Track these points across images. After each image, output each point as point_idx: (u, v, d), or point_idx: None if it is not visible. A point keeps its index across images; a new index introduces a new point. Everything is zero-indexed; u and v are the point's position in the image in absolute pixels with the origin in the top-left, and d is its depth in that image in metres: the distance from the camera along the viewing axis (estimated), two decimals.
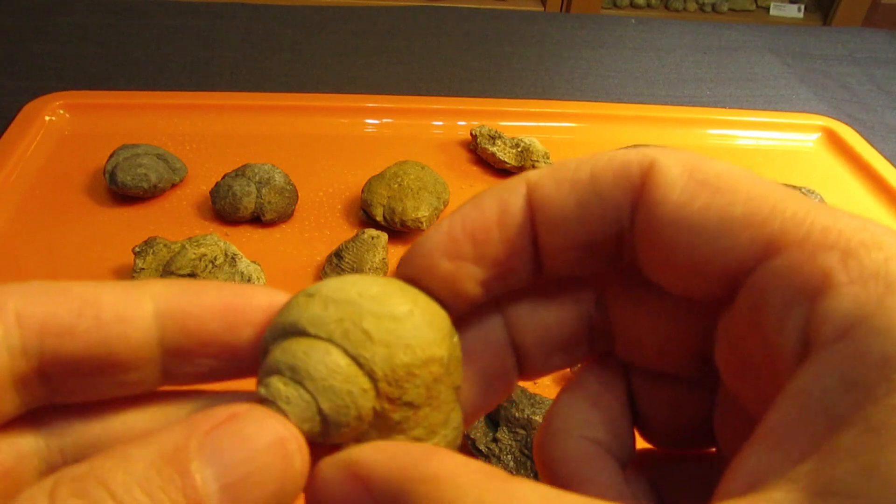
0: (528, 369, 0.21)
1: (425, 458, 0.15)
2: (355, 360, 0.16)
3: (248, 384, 0.18)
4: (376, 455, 0.16)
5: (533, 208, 0.18)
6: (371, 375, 0.16)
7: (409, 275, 0.18)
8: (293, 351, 0.17)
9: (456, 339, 0.19)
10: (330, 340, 0.17)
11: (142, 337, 0.17)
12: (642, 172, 0.17)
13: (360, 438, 0.17)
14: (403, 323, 0.17)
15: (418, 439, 0.18)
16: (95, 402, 0.18)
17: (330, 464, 0.16)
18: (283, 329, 0.17)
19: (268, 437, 0.15)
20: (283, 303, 0.18)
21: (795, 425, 0.13)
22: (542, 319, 0.20)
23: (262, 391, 0.16)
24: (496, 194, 0.18)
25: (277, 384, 0.16)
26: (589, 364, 0.21)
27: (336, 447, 0.17)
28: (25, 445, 0.17)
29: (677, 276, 0.17)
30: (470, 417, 0.20)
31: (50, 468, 0.17)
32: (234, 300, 0.18)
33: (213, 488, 0.14)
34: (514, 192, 0.18)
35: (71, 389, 0.17)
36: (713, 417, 0.20)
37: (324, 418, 0.16)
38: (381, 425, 0.17)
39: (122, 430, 0.18)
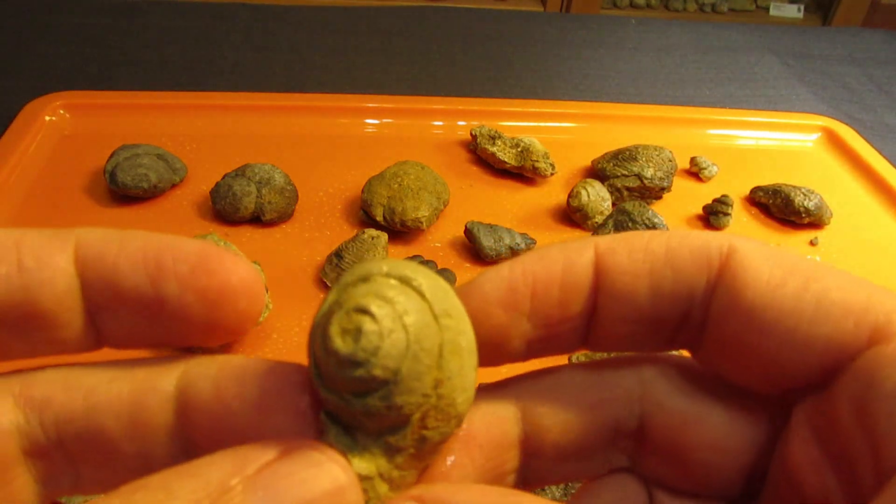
0: (531, 476, 0.19)
1: (526, 499, 0.14)
2: (439, 357, 0.15)
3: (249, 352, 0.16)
4: (467, 495, 0.14)
5: (600, 273, 0.17)
6: (437, 385, 0.15)
7: None
8: (413, 300, 0.15)
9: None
10: (437, 323, 0.15)
11: (64, 285, 0.15)
12: (721, 254, 0.17)
13: (357, 431, 0.16)
14: (475, 372, 0.16)
15: (388, 478, 0.16)
16: (72, 371, 0.16)
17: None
18: (403, 276, 0.16)
19: (325, 485, 0.14)
20: (210, 257, 0.16)
21: None
22: (566, 420, 0.18)
23: (375, 306, 0.15)
24: (561, 252, 0.17)
25: (389, 316, 0.15)
26: (603, 477, 0.20)
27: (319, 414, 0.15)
28: (5, 422, 0.16)
29: (759, 364, 0.16)
30: None
31: (33, 446, 0.16)
32: (158, 250, 0.16)
33: None
34: (581, 254, 0.17)
35: None
36: None
37: (387, 380, 0.15)
38: (386, 438, 0.16)
39: (107, 400, 0.16)
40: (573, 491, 0.40)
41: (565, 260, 0.17)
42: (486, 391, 0.18)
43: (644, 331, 0.18)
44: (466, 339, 0.16)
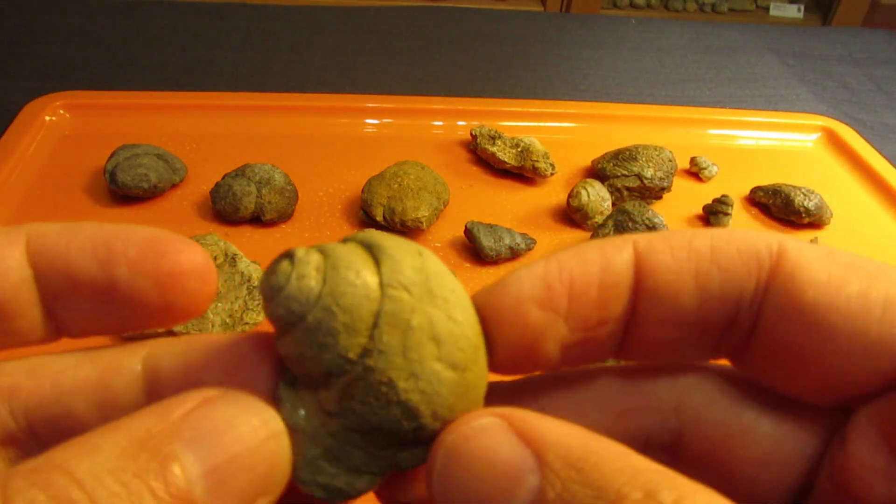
0: None
1: (607, 442, 0.13)
2: (373, 326, 0.15)
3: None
4: (554, 424, 0.13)
5: (641, 273, 0.16)
6: (364, 353, 0.15)
7: (488, 315, 0.16)
8: (351, 260, 0.15)
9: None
10: (380, 291, 0.15)
11: (17, 276, 0.16)
12: (772, 254, 0.16)
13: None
14: (440, 365, 0.15)
15: (323, 444, 0.16)
16: (37, 359, 0.16)
17: (492, 419, 0.14)
18: (370, 243, 0.16)
19: (252, 419, 0.14)
20: (159, 240, 0.16)
21: None
22: (587, 427, 0.17)
23: (300, 252, 0.15)
24: (599, 249, 0.16)
25: (310, 264, 0.15)
26: None
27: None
28: None
29: (822, 371, 0.15)
30: None
31: (3, 434, 0.16)
32: (107, 237, 0.16)
33: (195, 473, 0.13)
34: (620, 251, 0.16)
35: None
36: None
37: (295, 324, 0.15)
38: (317, 392, 0.15)
39: (73, 384, 0.16)
40: None
41: (603, 258, 0.16)
42: (503, 389, 0.17)
43: (686, 336, 0.17)
44: (425, 321, 0.15)
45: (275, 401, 0.16)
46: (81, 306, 0.16)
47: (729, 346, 0.17)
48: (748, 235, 0.16)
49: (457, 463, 0.14)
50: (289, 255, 0.15)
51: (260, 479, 0.14)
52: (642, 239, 0.16)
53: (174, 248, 0.16)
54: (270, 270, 0.15)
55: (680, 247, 0.16)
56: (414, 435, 0.15)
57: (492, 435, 0.14)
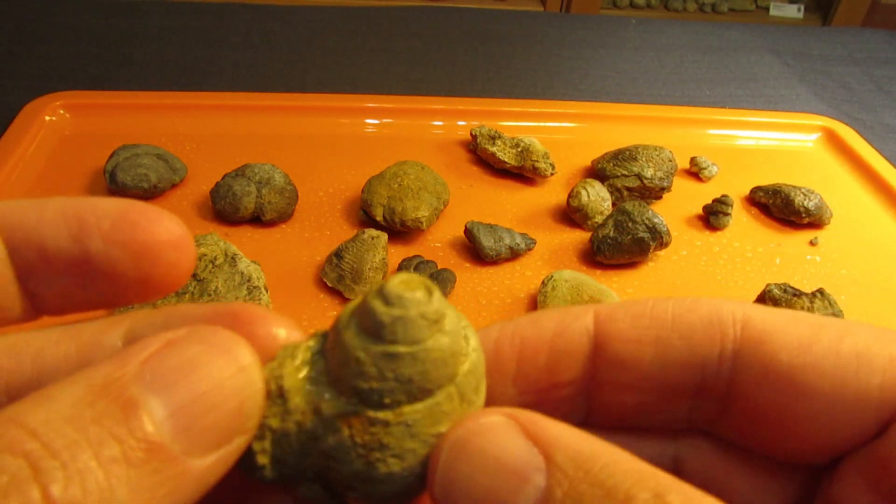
0: None
1: (612, 448, 0.13)
2: (419, 400, 0.15)
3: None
4: (562, 426, 0.14)
5: (600, 341, 0.17)
6: (392, 408, 0.15)
7: None
8: (456, 346, 0.15)
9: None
10: (448, 383, 0.15)
11: None
12: (735, 321, 0.16)
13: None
14: (421, 472, 0.15)
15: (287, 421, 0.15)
16: (17, 337, 0.16)
17: (500, 417, 0.14)
18: (475, 341, 0.16)
19: (218, 354, 0.13)
20: (132, 211, 0.16)
21: None
22: None
23: (437, 298, 0.15)
24: (557, 316, 0.17)
25: (431, 315, 0.14)
26: None
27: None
28: None
29: (808, 430, 0.15)
30: None
31: None
32: (78, 209, 0.16)
33: (160, 416, 0.12)
34: (577, 319, 0.17)
35: None
36: None
37: (382, 338, 0.14)
38: (334, 395, 0.15)
39: (55, 361, 0.16)
40: None
41: (558, 325, 0.17)
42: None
43: (651, 401, 0.17)
44: (424, 441, 0.15)
45: (289, 342, 0.15)
46: (58, 282, 0.16)
47: (703, 415, 0.17)
48: (711, 304, 0.17)
49: (463, 457, 0.14)
50: (429, 290, 0.15)
51: (231, 416, 0.13)
52: (604, 308, 0.17)
53: (148, 219, 0.16)
54: (406, 285, 0.14)
55: (641, 315, 0.17)
56: (341, 485, 0.15)
57: (500, 432, 0.14)
